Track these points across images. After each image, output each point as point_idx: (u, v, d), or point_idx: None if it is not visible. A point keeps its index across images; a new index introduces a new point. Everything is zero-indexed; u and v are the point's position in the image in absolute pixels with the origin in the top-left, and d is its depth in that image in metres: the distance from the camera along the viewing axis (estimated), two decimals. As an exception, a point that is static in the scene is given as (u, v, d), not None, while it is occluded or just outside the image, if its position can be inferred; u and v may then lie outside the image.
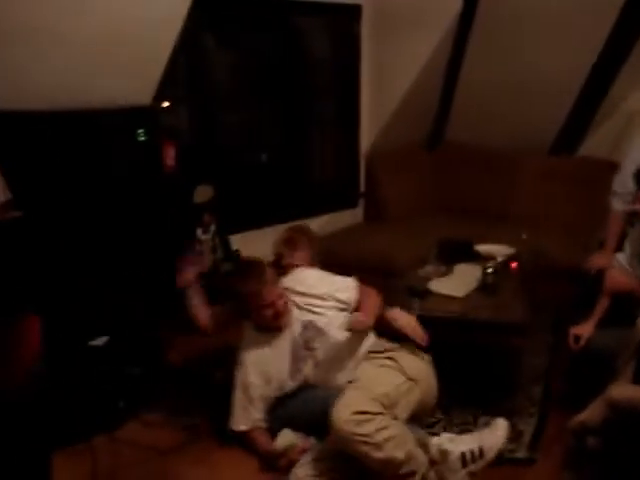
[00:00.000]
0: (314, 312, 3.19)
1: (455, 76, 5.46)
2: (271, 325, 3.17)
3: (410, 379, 2.87)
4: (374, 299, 3.19)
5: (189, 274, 3.39)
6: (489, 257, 3.92)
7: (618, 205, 3.52)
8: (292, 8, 4.86)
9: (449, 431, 3.14)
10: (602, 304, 3.31)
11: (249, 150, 5.17)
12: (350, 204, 5.72)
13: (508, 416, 3.07)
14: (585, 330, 3.28)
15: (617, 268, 3.36)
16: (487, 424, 3.04)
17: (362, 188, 5.74)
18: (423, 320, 3.28)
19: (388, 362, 2.95)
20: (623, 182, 3.50)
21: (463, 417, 3.38)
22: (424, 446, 2.80)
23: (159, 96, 3.87)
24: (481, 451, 2.77)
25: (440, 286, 3.66)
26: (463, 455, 2.75)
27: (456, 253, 4.03)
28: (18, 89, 3.10)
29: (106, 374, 3.39)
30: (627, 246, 3.41)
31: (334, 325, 3.13)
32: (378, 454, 2.58)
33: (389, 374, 2.88)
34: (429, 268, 3.90)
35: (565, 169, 5.21)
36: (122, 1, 3.27)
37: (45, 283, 3.04)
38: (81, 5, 3.13)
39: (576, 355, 3.31)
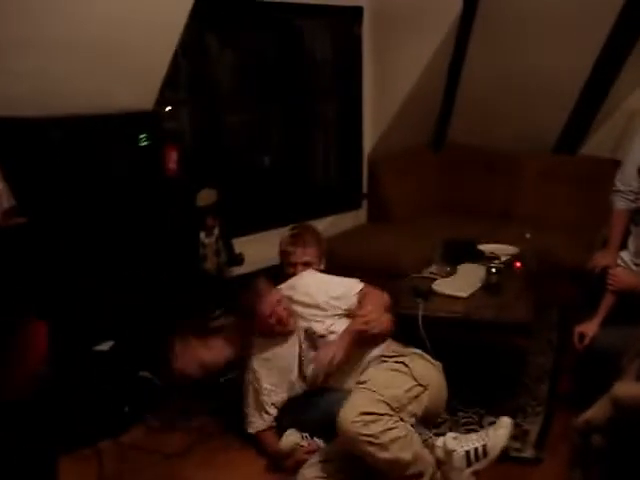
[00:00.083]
0: (315, 321, 3.19)
1: (457, 77, 5.47)
2: (278, 331, 3.18)
3: (420, 384, 2.84)
4: (376, 302, 3.18)
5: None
6: (493, 257, 3.93)
7: (621, 203, 3.51)
8: (294, 10, 4.86)
9: (454, 431, 3.14)
10: (606, 303, 3.31)
11: (252, 152, 5.17)
12: (354, 205, 5.71)
13: (514, 415, 3.07)
14: (590, 329, 3.28)
15: (621, 266, 3.36)
16: (492, 424, 3.04)
17: (365, 189, 5.73)
18: (428, 321, 3.29)
19: (398, 366, 2.92)
20: (625, 180, 3.50)
21: (469, 417, 3.39)
22: (430, 447, 2.81)
23: (161, 100, 3.88)
24: (485, 450, 2.76)
25: (444, 286, 3.66)
26: (467, 454, 2.75)
27: (460, 253, 4.03)
28: (19, 95, 3.11)
29: (111, 379, 3.40)
30: (631, 244, 3.41)
31: (335, 332, 3.13)
32: (385, 455, 2.58)
33: (398, 378, 2.86)
34: (433, 268, 3.90)
35: (568, 169, 5.21)
36: (122, 6, 3.26)
37: (50, 288, 3.05)
38: (80, 11, 3.13)
39: (581, 354, 3.30)
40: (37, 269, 2.94)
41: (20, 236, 2.90)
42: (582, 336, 3.29)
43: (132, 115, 3.47)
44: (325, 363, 3.01)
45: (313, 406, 3.09)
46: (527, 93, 5.13)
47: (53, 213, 3.14)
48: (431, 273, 3.85)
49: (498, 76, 5.19)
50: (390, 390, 2.74)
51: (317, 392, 3.11)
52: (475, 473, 2.77)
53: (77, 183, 3.22)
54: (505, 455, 2.90)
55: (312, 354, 3.14)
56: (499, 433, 2.82)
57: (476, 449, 2.76)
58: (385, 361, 3.00)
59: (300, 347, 3.19)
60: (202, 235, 4.14)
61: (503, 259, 3.94)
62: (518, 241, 4.15)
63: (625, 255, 3.41)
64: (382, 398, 2.67)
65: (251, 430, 3.21)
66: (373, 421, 2.58)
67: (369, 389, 2.75)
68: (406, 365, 2.91)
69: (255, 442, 3.21)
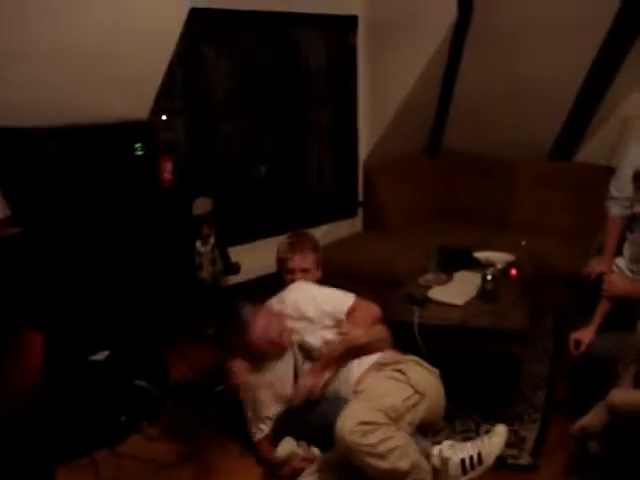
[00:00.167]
0: (307, 332, 3.18)
1: (451, 85, 5.49)
2: (273, 351, 3.18)
3: (417, 392, 2.83)
4: (364, 317, 3.19)
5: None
6: (489, 264, 3.92)
7: (615, 210, 3.52)
8: (289, 19, 4.88)
9: (451, 439, 3.14)
10: (602, 309, 3.31)
11: (247, 161, 5.18)
12: (349, 213, 5.72)
13: (510, 422, 3.07)
14: (585, 335, 3.28)
15: (616, 273, 3.37)
16: (489, 431, 3.04)
17: (361, 197, 5.74)
18: (423, 328, 3.30)
19: (396, 374, 2.91)
20: (620, 187, 3.50)
21: (465, 425, 3.38)
22: (427, 455, 2.80)
23: (156, 110, 3.88)
24: (480, 457, 2.75)
25: (440, 294, 3.66)
26: (462, 462, 2.74)
27: (456, 261, 4.04)
28: (14, 106, 3.11)
29: (107, 388, 3.39)
30: (626, 251, 3.42)
31: (330, 340, 3.13)
32: (383, 464, 2.58)
33: (396, 387, 2.85)
34: (429, 276, 3.90)
35: (563, 175, 5.22)
36: (116, 16, 3.27)
37: (45, 298, 3.05)
38: (74, 21, 3.13)
39: (577, 360, 3.31)
40: (32, 279, 2.95)
41: (15, 246, 2.90)
42: (578, 343, 3.29)
43: (127, 125, 3.47)
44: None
45: (309, 414, 3.09)
46: (521, 101, 5.15)
47: (48, 223, 3.14)
48: (427, 281, 3.85)
49: (492, 84, 5.21)
50: (388, 399, 2.74)
51: (313, 400, 3.11)
52: (469, 480, 2.77)
53: (72, 193, 3.22)
54: (502, 462, 2.90)
55: (307, 367, 3.14)
56: (494, 441, 2.81)
57: (471, 457, 2.76)
58: (382, 369, 2.99)
59: (295, 360, 3.18)
60: (198, 244, 4.16)
61: (499, 266, 3.93)
62: (514, 248, 4.15)
63: (620, 262, 3.41)
64: (380, 407, 2.66)
65: (252, 439, 3.20)
66: (371, 431, 2.58)
67: (367, 399, 2.75)
68: (403, 373, 2.90)
69: (252, 450, 3.20)
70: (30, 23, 3.01)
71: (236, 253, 4.43)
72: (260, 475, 3.10)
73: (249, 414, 3.21)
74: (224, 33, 4.60)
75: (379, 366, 3.03)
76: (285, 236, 3.69)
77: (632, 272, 3.35)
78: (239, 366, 3.21)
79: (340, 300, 3.26)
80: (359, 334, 3.12)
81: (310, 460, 2.98)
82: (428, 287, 3.75)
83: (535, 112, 5.15)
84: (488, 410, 3.41)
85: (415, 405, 2.81)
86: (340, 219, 5.62)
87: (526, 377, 3.77)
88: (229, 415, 3.38)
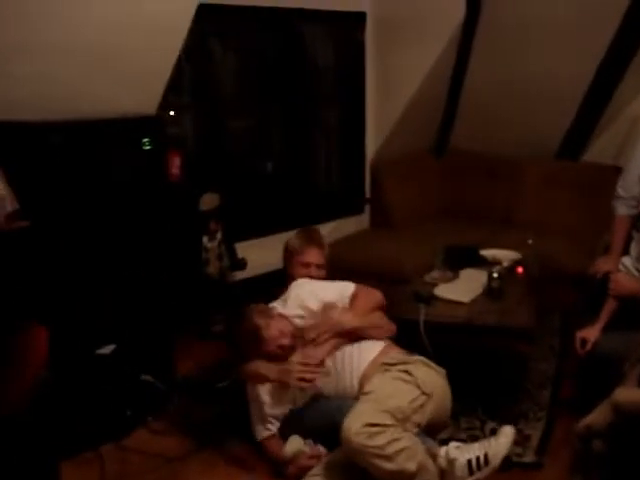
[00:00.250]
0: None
1: (459, 83, 5.49)
2: (282, 356, 3.18)
3: (424, 393, 2.82)
4: (366, 301, 3.21)
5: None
6: (495, 262, 3.93)
7: (622, 209, 3.52)
8: (297, 15, 4.89)
9: (456, 437, 3.14)
10: (608, 308, 3.30)
11: (255, 157, 5.19)
12: (356, 211, 5.73)
13: (515, 421, 3.07)
14: (591, 334, 3.28)
15: (623, 272, 3.37)
16: (494, 429, 3.03)
17: (368, 194, 5.74)
18: (429, 326, 3.29)
19: (403, 375, 2.89)
20: (627, 187, 3.50)
21: (470, 422, 3.38)
22: (433, 456, 2.80)
23: (164, 105, 3.89)
24: (486, 458, 2.74)
25: (446, 291, 3.66)
26: (469, 462, 2.73)
27: (462, 258, 4.04)
28: (21, 100, 3.11)
29: (113, 382, 3.40)
30: (633, 250, 3.41)
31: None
32: (390, 466, 2.56)
33: (403, 387, 2.84)
34: (435, 274, 3.90)
35: (570, 175, 5.21)
36: (124, 10, 3.25)
37: (52, 292, 3.06)
38: (79, 15, 3.12)
39: (583, 359, 3.30)
40: (40, 272, 2.95)
41: (23, 240, 2.90)
42: (584, 342, 3.29)
43: (135, 119, 3.48)
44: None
45: (315, 412, 3.09)
46: (529, 99, 5.14)
47: (56, 217, 3.14)
48: (433, 278, 3.85)
49: (500, 82, 5.20)
50: (395, 400, 2.73)
51: (320, 400, 3.10)
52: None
53: (80, 187, 3.23)
54: (508, 463, 2.88)
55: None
56: (501, 442, 2.80)
57: (478, 458, 2.74)
58: (388, 369, 2.97)
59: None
60: (205, 239, 4.16)
61: (505, 264, 3.93)
62: (520, 246, 4.16)
63: (627, 261, 3.41)
64: (387, 409, 2.66)
65: (257, 438, 3.19)
66: (378, 433, 2.57)
67: (373, 400, 2.75)
68: (410, 374, 2.89)
69: (258, 448, 3.20)
70: (34, 17, 3.00)
71: (243, 249, 4.43)
72: (265, 471, 3.10)
73: (252, 414, 3.20)
74: (232, 29, 4.60)
75: (385, 366, 3.01)
76: (295, 232, 3.67)
77: (638, 271, 3.34)
78: (260, 366, 3.19)
79: (341, 289, 3.28)
80: (346, 319, 3.13)
81: (317, 458, 2.97)
82: (434, 285, 3.75)
83: (543, 110, 5.13)
84: (493, 408, 3.41)
85: (422, 406, 2.79)
86: (347, 216, 5.62)
87: (532, 375, 3.77)
88: (234, 411, 3.38)
